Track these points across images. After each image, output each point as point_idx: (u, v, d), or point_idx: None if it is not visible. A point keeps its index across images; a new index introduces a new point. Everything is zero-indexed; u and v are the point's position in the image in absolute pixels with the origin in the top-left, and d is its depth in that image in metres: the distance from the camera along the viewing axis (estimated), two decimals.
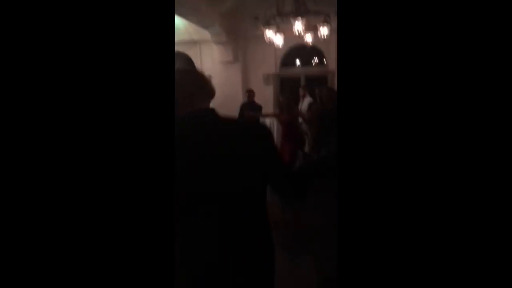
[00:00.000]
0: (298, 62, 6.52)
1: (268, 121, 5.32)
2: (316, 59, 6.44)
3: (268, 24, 3.93)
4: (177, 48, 6.42)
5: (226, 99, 6.41)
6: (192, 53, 6.56)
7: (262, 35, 4.27)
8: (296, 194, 1.02)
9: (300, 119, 4.29)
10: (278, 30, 4.16)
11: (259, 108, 4.75)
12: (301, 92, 5.09)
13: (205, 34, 5.60)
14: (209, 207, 0.84)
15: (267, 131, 0.98)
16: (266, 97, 6.03)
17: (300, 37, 4.23)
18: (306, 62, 6.49)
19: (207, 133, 0.88)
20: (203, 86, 0.93)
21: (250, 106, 4.72)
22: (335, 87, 5.88)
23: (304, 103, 4.90)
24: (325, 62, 6.19)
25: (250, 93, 4.86)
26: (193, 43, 6.32)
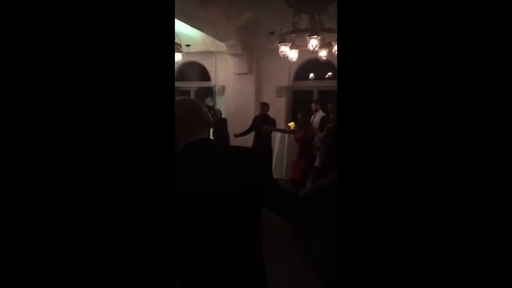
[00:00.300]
0: (311, 75, 6.56)
1: (278, 135, 5.36)
2: (329, 74, 6.47)
3: (283, 40, 4.00)
4: (193, 58, 6.57)
5: (239, 110, 6.52)
6: (207, 63, 6.70)
7: (276, 48, 4.35)
8: (305, 220, 1.04)
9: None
10: (293, 45, 4.22)
11: (273, 121, 4.66)
12: (313, 106, 5.12)
13: (221, 45, 5.73)
14: (206, 236, 0.88)
15: (264, 161, 1.00)
16: (278, 109, 6.09)
17: (315, 52, 4.29)
18: (319, 75, 6.53)
19: (203, 163, 0.90)
20: (200, 116, 0.95)
21: (263, 119, 4.69)
22: None
23: (316, 118, 4.93)
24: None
25: (263, 106, 4.78)
26: (209, 53, 6.46)
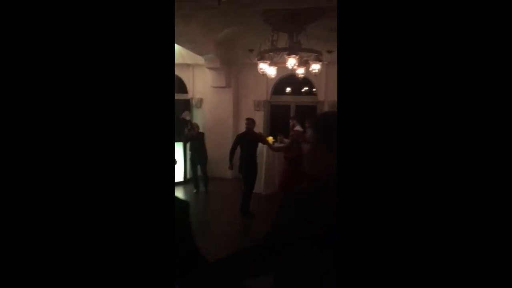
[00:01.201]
0: (288, 89, 6.69)
1: (265, 150, 5.31)
2: (305, 88, 6.63)
3: (262, 58, 4.06)
4: None
5: (216, 123, 6.50)
6: (184, 75, 6.65)
7: (255, 63, 4.39)
8: None
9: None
10: (271, 63, 4.30)
11: (260, 135, 4.46)
12: (291, 123, 5.21)
13: (199, 58, 5.71)
14: None
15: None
16: (256, 123, 6.13)
17: (293, 70, 4.38)
18: (296, 90, 6.67)
19: None
20: None
21: (249, 134, 4.41)
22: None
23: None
24: (315, 92, 6.38)
25: (249, 121, 4.49)
26: (186, 66, 6.43)
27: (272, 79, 5.53)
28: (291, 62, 3.81)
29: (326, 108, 6.13)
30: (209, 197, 5.41)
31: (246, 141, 4.28)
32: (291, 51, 3.76)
